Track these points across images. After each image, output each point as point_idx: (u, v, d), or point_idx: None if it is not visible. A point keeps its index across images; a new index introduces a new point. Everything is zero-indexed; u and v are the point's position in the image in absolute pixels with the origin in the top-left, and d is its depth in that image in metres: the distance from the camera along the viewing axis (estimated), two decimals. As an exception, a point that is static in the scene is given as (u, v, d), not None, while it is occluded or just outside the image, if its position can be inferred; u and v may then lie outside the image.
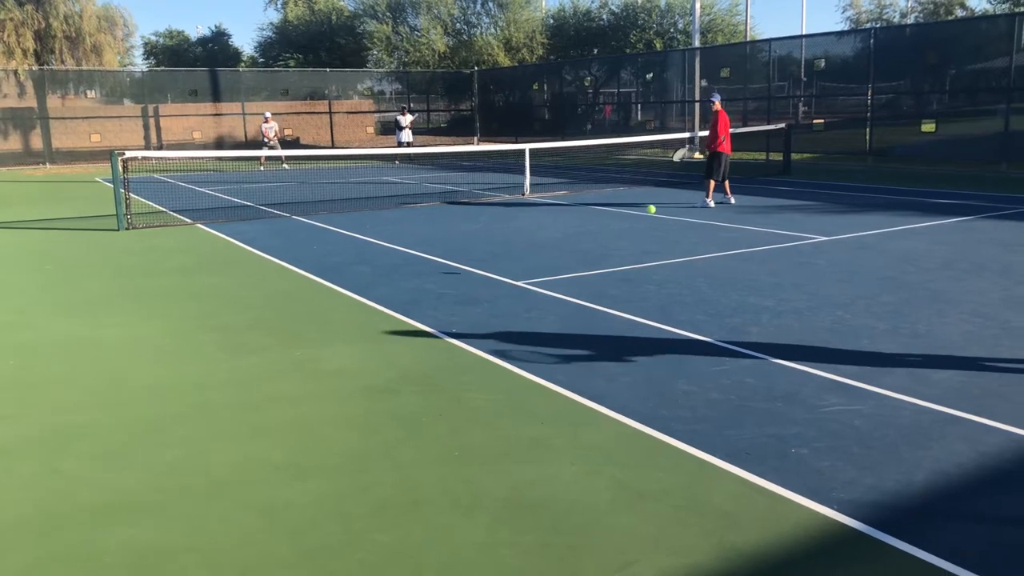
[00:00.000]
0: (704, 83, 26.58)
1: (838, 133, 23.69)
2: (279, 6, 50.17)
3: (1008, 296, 7.17)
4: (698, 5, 27.37)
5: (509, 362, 5.58)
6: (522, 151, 17.00)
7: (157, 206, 15.32)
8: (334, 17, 44.24)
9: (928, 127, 20.79)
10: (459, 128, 37.13)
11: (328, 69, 36.65)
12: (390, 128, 34.56)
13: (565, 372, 5.35)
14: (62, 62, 30.26)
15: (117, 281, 8.85)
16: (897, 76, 22.50)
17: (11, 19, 28.50)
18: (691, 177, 17.87)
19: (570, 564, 3.16)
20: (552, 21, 39.53)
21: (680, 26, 35.41)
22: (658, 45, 34.44)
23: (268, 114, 26.61)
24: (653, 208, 6.64)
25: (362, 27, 41.29)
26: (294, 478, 3.96)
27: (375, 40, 39.64)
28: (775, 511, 3.51)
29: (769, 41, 26.76)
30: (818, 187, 16.65)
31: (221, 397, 5.12)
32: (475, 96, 36.62)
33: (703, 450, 4.12)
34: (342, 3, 45.64)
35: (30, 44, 29.12)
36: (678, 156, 17.24)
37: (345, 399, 5.03)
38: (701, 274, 8.34)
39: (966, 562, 3.08)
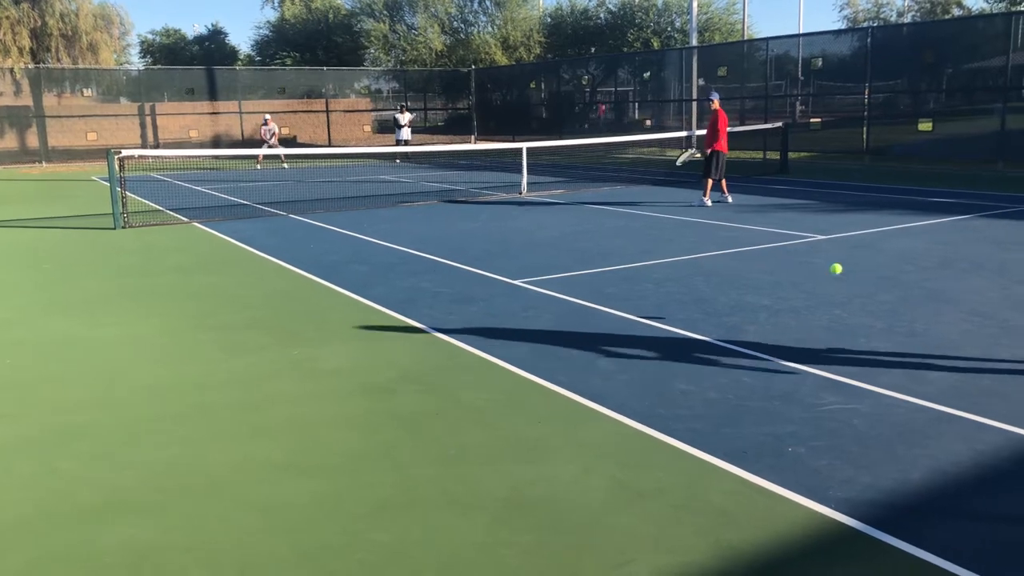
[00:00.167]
0: (701, 82, 26.60)
1: (835, 132, 23.72)
2: (276, 4, 50.11)
3: (1005, 295, 7.19)
4: (695, 4, 27.39)
5: (507, 361, 5.58)
6: (519, 150, 17.01)
7: (154, 205, 15.30)
8: (331, 15, 44.18)
9: (925, 126, 20.82)
10: (456, 127, 37.12)
11: (325, 68, 36.61)
12: (387, 127, 34.56)
13: (563, 371, 5.36)
14: (58, 60, 30.18)
15: (114, 280, 8.84)
16: (894, 75, 22.53)
17: (7, 17, 28.43)
18: (688, 176, 17.88)
19: (568, 563, 3.16)
20: (549, 20, 39.52)
21: (677, 25, 35.42)
22: (655, 44, 34.45)
23: (268, 116, 26.58)
24: (839, 268, 6.36)
25: (359, 25, 41.25)
26: (293, 477, 3.96)
27: (372, 38, 39.62)
28: (772, 510, 3.52)
29: (766, 40, 26.78)
30: (815, 186, 16.67)
31: (219, 397, 5.12)
32: (472, 95, 36.60)
33: (700, 449, 4.13)
34: (339, 1, 45.61)
35: (26, 42, 29.03)
36: (681, 160, 17.26)
37: (343, 398, 5.03)
38: (698, 273, 8.34)
39: (963, 560, 3.09)
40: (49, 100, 29.85)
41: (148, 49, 52.16)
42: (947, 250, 9.30)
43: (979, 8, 36.22)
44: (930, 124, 20.80)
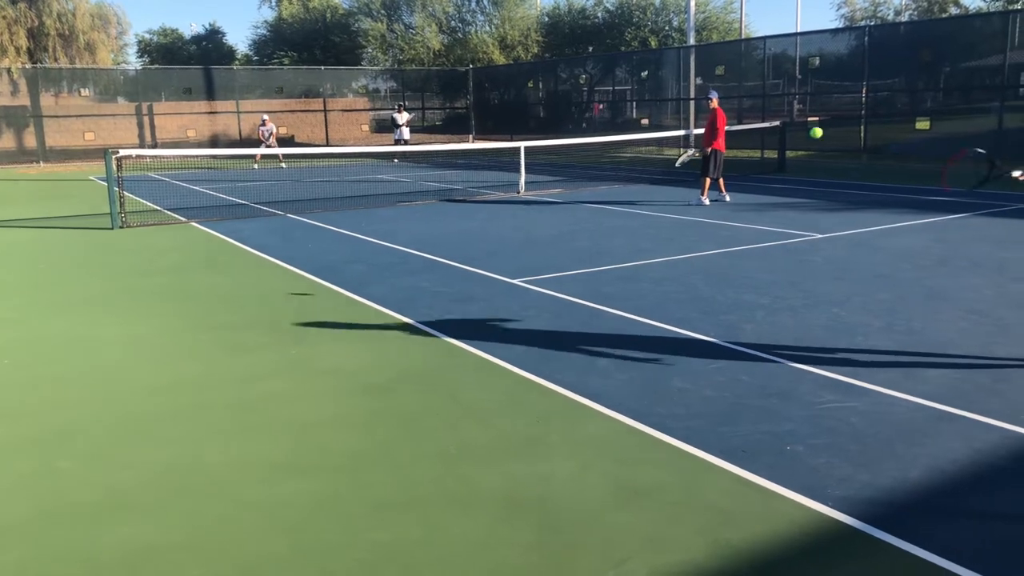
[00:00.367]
0: (699, 81, 26.61)
1: (833, 131, 23.71)
2: (273, 4, 50.02)
3: (1002, 293, 7.20)
4: (692, 3, 27.41)
5: (505, 360, 5.59)
6: (517, 149, 17.01)
7: (152, 204, 15.29)
8: (329, 15, 44.14)
9: (922, 125, 20.83)
10: (454, 126, 37.10)
11: (323, 67, 36.58)
12: (385, 126, 34.52)
13: (561, 370, 5.36)
14: (55, 60, 30.14)
15: (112, 280, 8.83)
16: (891, 74, 22.54)
17: (4, 17, 28.39)
18: (686, 175, 17.89)
19: (566, 561, 3.17)
20: (547, 19, 39.51)
21: (675, 24, 35.42)
22: (653, 43, 34.45)
23: (266, 116, 26.56)
24: (819, 132, 6.48)
25: (357, 25, 41.22)
26: (292, 477, 3.96)
27: (370, 38, 39.59)
28: (770, 508, 3.52)
29: (764, 39, 26.79)
30: (813, 185, 16.68)
31: (218, 396, 5.12)
32: (470, 94, 36.60)
33: (698, 447, 4.13)
34: (336, 1, 45.56)
35: (23, 42, 28.99)
36: (680, 161, 17.26)
37: (342, 398, 5.03)
38: (696, 271, 8.35)
39: (961, 558, 3.09)
40: (46, 100, 29.80)
41: (145, 49, 52.07)
42: (945, 248, 9.31)
43: (976, 7, 36.25)
44: (928, 123, 20.81)
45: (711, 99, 13.95)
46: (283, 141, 30.47)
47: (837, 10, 48.21)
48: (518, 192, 16.15)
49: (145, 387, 5.31)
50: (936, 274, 8.02)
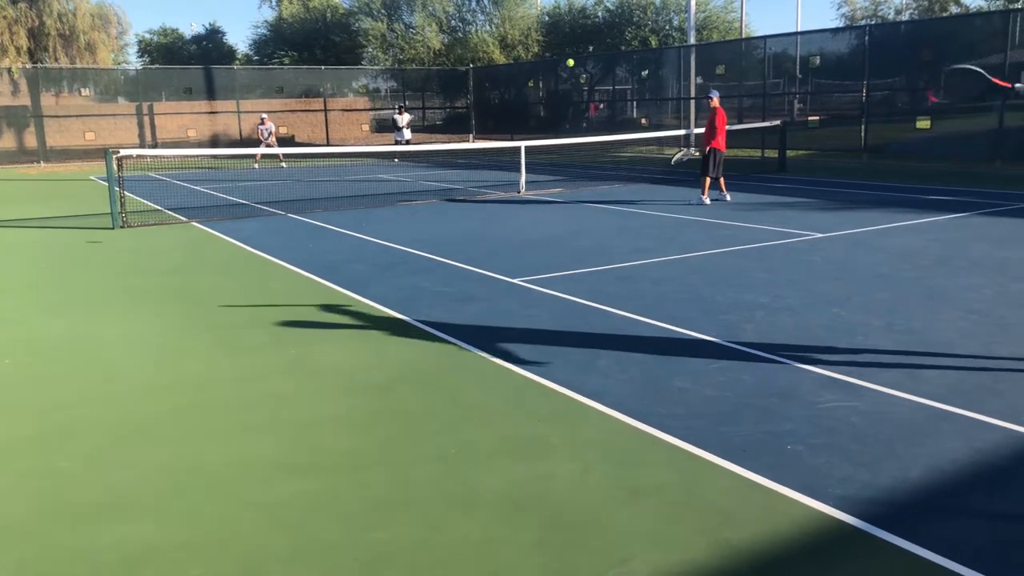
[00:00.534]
0: (699, 80, 26.60)
1: (833, 130, 23.71)
2: (273, 4, 50.04)
3: (1002, 293, 7.19)
4: (693, 2, 27.39)
5: (505, 360, 5.59)
6: (518, 148, 17.00)
7: (152, 204, 15.29)
8: (329, 15, 44.14)
9: (923, 124, 20.82)
10: (454, 126, 37.10)
11: (323, 67, 36.59)
12: (386, 126, 34.53)
13: (561, 369, 5.36)
14: (56, 60, 30.14)
15: (112, 280, 8.83)
16: (892, 73, 22.52)
17: (4, 17, 28.39)
18: (687, 175, 17.89)
19: (566, 561, 3.17)
20: (547, 18, 39.51)
21: (675, 23, 35.43)
22: (653, 42, 34.45)
23: (264, 115, 26.55)
24: (571, 62, 6.54)
25: (357, 24, 41.22)
26: (291, 476, 3.96)
27: (370, 37, 39.60)
28: (771, 507, 3.52)
29: (764, 38, 26.79)
30: (813, 184, 16.68)
31: (218, 395, 5.12)
32: (470, 93, 36.60)
33: (699, 447, 4.13)
34: (337, 0, 45.57)
35: (23, 42, 29.00)
36: (676, 159, 17.26)
37: (342, 397, 5.03)
38: (697, 271, 8.35)
39: (961, 557, 3.09)
40: (47, 100, 29.81)
41: (146, 49, 52.08)
42: (945, 248, 9.31)
43: (977, 6, 36.24)
44: (928, 122, 20.80)
45: (711, 98, 13.96)
46: (283, 141, 30.49)
47: (837, 9, 48.26)
48: (518, 192, 16.14)
49: (145, 387, 5.31)
50: (936, 274, 8.02)
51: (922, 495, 3.61)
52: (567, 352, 5.76)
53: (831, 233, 10.42)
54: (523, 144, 17.06)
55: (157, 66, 42.73)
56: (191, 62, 43.77)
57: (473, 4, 39.51)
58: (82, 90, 32.22)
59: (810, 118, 24.16)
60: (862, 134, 22.25)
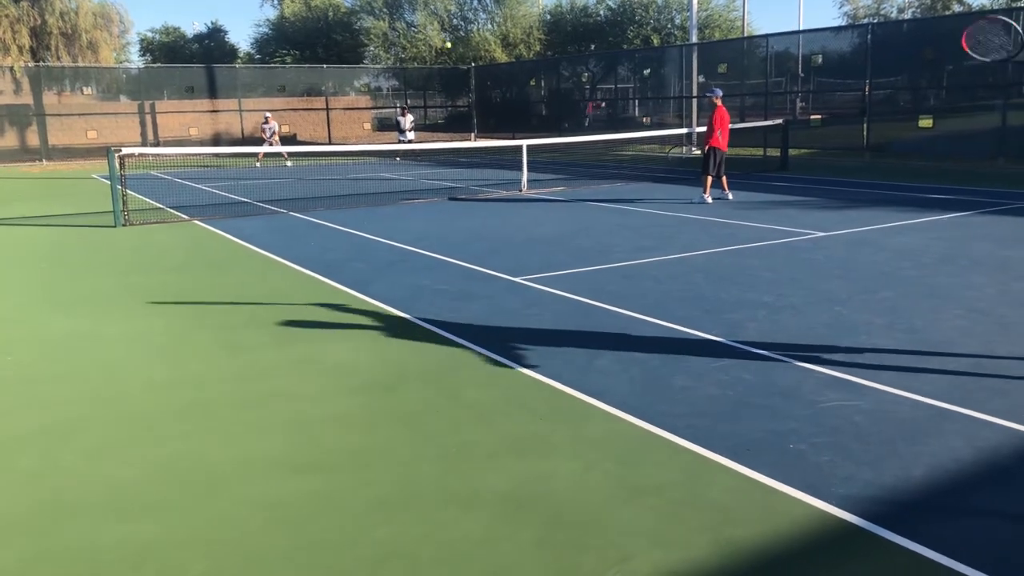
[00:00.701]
0: (702, 79, 26.56)
1: (835, 129, 23.68)
2: (275, 2, 50.06)
3: (1004, 292, 7.19)
4: (695, 1, 27.35)
5: (507, 358, 5.59)
6: (519, 147, 17.00)
7: (154, 203, 15.31)
8: (331, 13, 44.14)
9: (925, 123, 20.79)
10: (456, 124, 37.09)
11: (325, 66, 36.56)
12: (387, 125, 34.52)
13: (563, 368, 5.36)
14: (58, 59, 30.15)
15: (114, 278, 8.84)
16: (894, 72, 22.48)
17: (6, 15, 28.40)
18: (689, 173, 17.87)
19: (568, 559, 3.17)
20: (549, 17, 39.47)
21: (677, 22, 35.37)
22: (655, 41, 34.41)
23: (268, 114, 26.52)
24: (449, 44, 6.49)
25: (359, 23, 41.18)
26: (293, 474, 3.96)
27: (372, 36, 39.56)
28: (773, 506, 3.52)
29: (766, 37, 26.74)
30: (815, 183, 16.67)
31: (219, 393, 5.12)
32: (472, 92, 36.58)
33: (701, 445, 4.13)
34: (338, -1, 45.59)
35: (26, 41, 29.01)
36: (671, 152, 17.26)
37: (344, 395, 5.03)
38: (699, 270, 8.35)
39: (963, 557, 3.09)
40: (49, 98, 29.85)
41: (148, 47, 52.08)
42: (947, 247, 9.29)
43: (979, 4, 36.15)
44: (930, 121, 20.77)
45: (709, 96, 13.95)
46: (285, 139, 30.48)
47: (840, 8, 48.25)
48: (520, 190, 16.14)
49: (147, 385, 5.32)
50: (939, 272, 8.01)
51: (924, 494, 3.60)
52: (569, 351, 5.76)
53: (833, 232, 10.41)
54: (525, 143, 17.05)
55: (159, 65, 42.75)
56: (193, 61, 43.75)
57: (475, 3, 39.51)
58: (84, 89, 32.26)
59: (812, 117, 24.14)
60: (864, 133, 22.22)
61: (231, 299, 7.70)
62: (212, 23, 59.22)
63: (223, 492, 3.80)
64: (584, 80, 33.26)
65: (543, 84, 34.83)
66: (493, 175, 20.21)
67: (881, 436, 4.19)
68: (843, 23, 39.37)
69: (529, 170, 16.83)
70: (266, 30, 47.64)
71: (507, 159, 24.08)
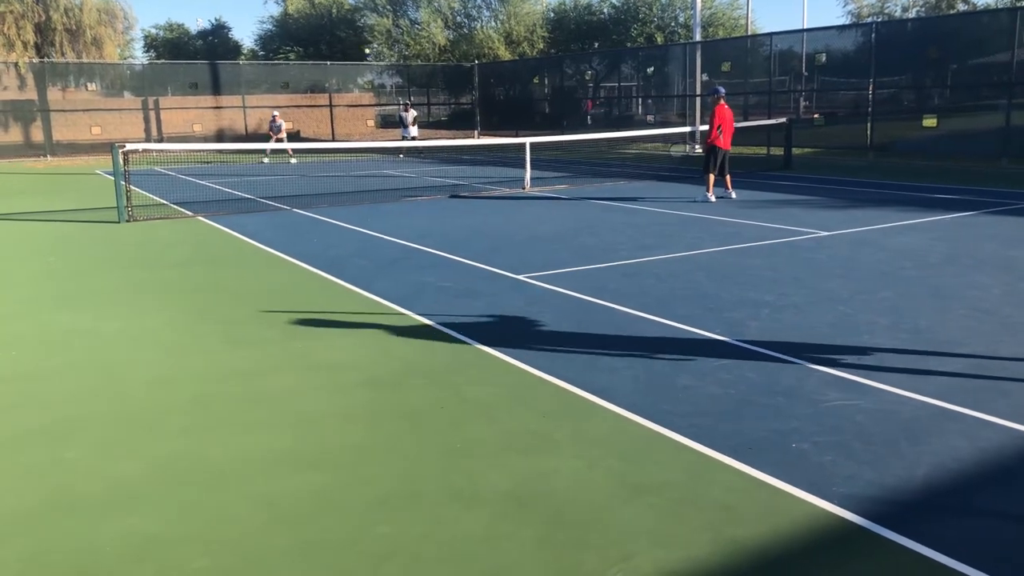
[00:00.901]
0: (705, 77, 26.52)
1: (839, 128, 23.64)
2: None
3: (1008, 292, 7.17)
4: (699, -1, 27.31)
5: (510, 356, 5.59)
6: (522, 145, 16.99)
7: (158, 199, 15.32)
8: (334, 10, 44.13)
9: (929, 122, 20.75)
10: (459, 122, 37.08)
11: (328, 62, 36.55)
12: (391, 121, 34.50)
13: (566, 366, 5.36)
14: (62, 55, 30.18)
15: (118, 273, 8.85)
16: (898, 71, 22.44)
17: (11, 11, 28.43)
18: (692, 172, 17.86)
19: (570, 557, 3.17)
20: (552, 15, 39.44)
21: (681, 20, 35.33)
22: (659, 39, 34.37)
23: (276, 112, 26.52)
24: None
25: (362, 20, 41.20)
26: (295, 470, 3.97)
27: (375, 33, 39.56)
28: (775, 505, 3.52)
29: (770, 35, 26.70)
30: (819, 182, 16.64)
31: (223, 389, 5.13)
32: (476, 90, 36.56)
33: (703, 444, 4.13)
34: (342, -4, 45.56)
35: (30, 37, 29.04)
36: (673, 150, 17.24)
37: (346, 392, 5.04)
38: (701, 268, 8.34)
39: (965, 557, 3.09)
40: (53, 94, 29.89)
41: (152, 44, 52.14)
42: (950, 247, 9.28)
43: (984, 3, 36.07)
44: (935, 120, 20.73)
45: (710, 95, 13.93)
46: (289, 136, 30.49)
47: (844, 7, 48.10)
48: (523, 188, 16.14)
49: (150, 380, 5.32)
50: (942, 272, 7.99)
51: (926, 494, 3.60)
52: (571, 349, 5.76)
53: (836, 231, 10.39)
54: (528, 140, 17.04)
55: (163, 61, 42.76)
56: (197, 57, 43.75)
57: (479, 0, 39.48)
58: (88, 85, 32.30)
59: (816, 116, 24.10)
60: (868, 132, 22.18)
61: (234, 295, 7.71)
62: (216, 19, 59.31)
63: (224, 488, 3.80)
64: (587, 78, 33.24)
65: (546, 82, 34.80)
66: (496, 172, 20.21)
67: (883, 436, 4.18)
68: (847, 22, 39.29)
69: (532, 168, 16.82)
70: (270, 27, 47.71)
71: (510, 157, 24.08)
